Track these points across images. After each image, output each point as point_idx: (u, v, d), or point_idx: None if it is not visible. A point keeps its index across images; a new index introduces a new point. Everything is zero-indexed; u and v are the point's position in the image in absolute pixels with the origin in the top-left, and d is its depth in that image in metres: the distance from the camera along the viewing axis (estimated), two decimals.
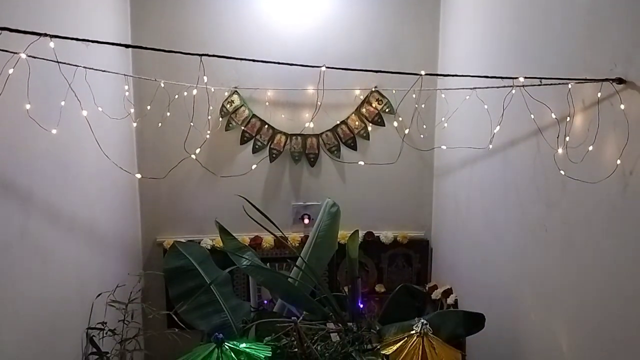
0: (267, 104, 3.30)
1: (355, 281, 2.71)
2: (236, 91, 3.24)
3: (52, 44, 1.29)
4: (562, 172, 1.71)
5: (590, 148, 1.63)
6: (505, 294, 2.38)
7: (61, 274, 2.13)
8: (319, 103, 3.23)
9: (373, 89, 3.32)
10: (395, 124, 2.90)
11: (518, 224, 2.24)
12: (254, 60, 1.47)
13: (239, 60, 1.50)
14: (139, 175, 2.20)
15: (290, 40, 3.25)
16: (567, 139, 1.73)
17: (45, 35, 1.18)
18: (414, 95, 2.78)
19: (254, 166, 3.01)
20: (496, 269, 2.48)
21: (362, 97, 3.35)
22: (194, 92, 1.76)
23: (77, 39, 1.26)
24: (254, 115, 3.31)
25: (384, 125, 3.38)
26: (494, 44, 2.46)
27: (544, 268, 2.03)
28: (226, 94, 3.22)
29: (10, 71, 1.34)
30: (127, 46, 1.33)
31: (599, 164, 1.62)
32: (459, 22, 3.00)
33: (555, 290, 1.95)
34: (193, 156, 1.67)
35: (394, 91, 3.23)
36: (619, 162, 1.49)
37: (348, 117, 3.38)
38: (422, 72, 1.50)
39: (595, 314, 1.71)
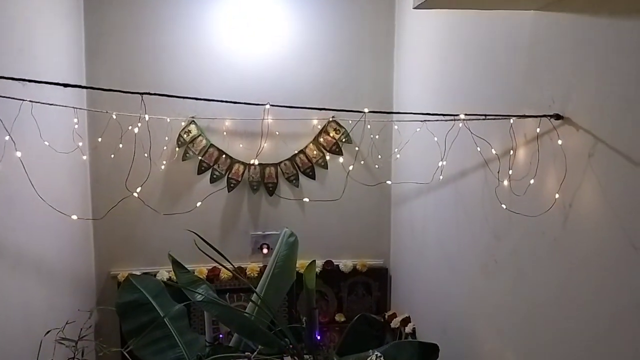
0: (224, 133, 3.30)
1: (313, 312, 2.68)
2: (193, 121, 3.23)
3: None
4: (503, 205, 1.75)
5: (532, 181, 1.68)
6: (459, 324, 2.41)
7: (5, 312, 2.05)
8: (277, 133, 3.27)
9: (330, 119, 3.36)
10: (341, 160, 2.94)
11: (470, 254, 2.27)
12: (195, 99, 1.48)
13: (196, 90, 1.49)
14: (74, 217, 2.15)
15: (247, 70, 3.26)
16: (511, 172, 1.78)
17: None
18: (369, 127, 2.82)
19: (198, 203, 2.92)
20: (451, 299, 2.51)
21: (320, 127, 3.38)
22: (136, 130, 1.74)
23: (13, 79, 1.24)
24: (211, 145, 3.30)
25: (342, 155, 3.41)
26: (443, 79, 2.53)
27: (496, 298, 2.06)
28: (183, 123, 3.20)
29: None
30: (66, 85, 1.31)
31: (541, 197, 1.67)
32: (412, 56, 3.08)
33: (508, 320, 1.98)
34: (135, 194, 1.64)
35: (350, 121, 3.27)
36: (557, 195, 1.54)
37: (306, 147, 3.40)
38: (366, 110, 1.53)
39: (545, 341, 1.74)
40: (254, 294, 2.74)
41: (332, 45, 3.34)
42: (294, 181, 3.42)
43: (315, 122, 3.36)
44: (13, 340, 2.10)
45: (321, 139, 3.40)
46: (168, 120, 2.99)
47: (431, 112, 1.75)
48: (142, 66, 3.15)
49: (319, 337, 2.79)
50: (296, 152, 3.39)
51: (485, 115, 1.82)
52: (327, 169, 3.43)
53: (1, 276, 2.03)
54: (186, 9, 3.17)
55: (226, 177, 3.35)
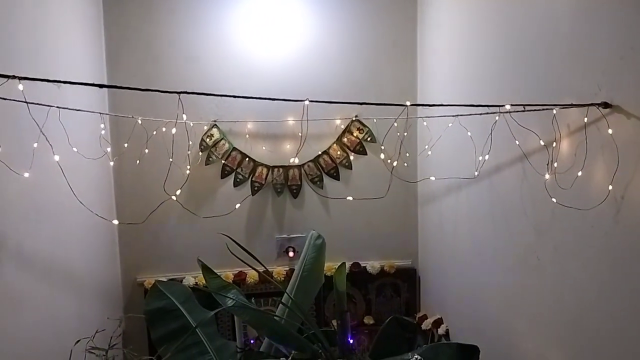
0: (247, 136, 3.26)
1: (344, 315, 2.62)
2: (215, 125, 3.19)
3: (20, 87, 1.23)
4: (553, 199, 1.68)
5: (580, 173, 1.61)
6: (498, 324, 2.33)
7: (35, 322, 2.03)
8: (300, 134, 3.21)
9: (354, 118, 3.30)
10: (383, 156, 2.87)
11: (508, 251, 2.20)
12: (236, 97, 1.43)
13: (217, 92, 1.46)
14: (116, 222, 2.12)
15: (269, 73, 3.22)
16: (556, 164, 1.71)
17: (14, 77, 1.12)
18: (395, 124, 2.76)
19: (237, 205, 2.95)
20: (488, 298, 2.44)
21: (343, 127, 3.33)
22: (174, 130, 1.70)
23: (47, 80, 1.20)
24: (234, 149, 3.26)
25: (366, 154, 3.36)
26: (473, 71, 2.46)
27: (538, 296, 1.99)
28: (205, 127, 3.17)
29: None
30: (102, 86, 1.28)
31: (589, 190, 1.59)
32: (437, 51, 3.01)
33: (551, 318, 1.91)
34: (174, 197, 1.60)
35: (374, 120, 3.22)
36: (610, 187, 1.47)
37: (330, 147, 3.34)
38: (408, 103, 1.47)
39: (593, 341, 1.67)
40: (284, 298, 2.70)
41: (354, 43, 3.29)
42: (318, 182, 3.37)
43: (338, 122, 3.31)
44: (44, 349, 2.07)
45: (345, 139, 3.35)
46: (191, 124, 2.96)
47: (473, 104, 1.68)
48: (162, 71, 3.12)
49: (351, 341, 2.74)
50: (320, 153, 3.34)
51: (525, 106, 1.75)
52: (351, 169, 3.37)
53: (32, 285, 2.00)
54: (206, 12, 3.14)
55: (250, 180, 3.31)
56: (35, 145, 1.76)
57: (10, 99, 1.42)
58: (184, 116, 1.54)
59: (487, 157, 2.05)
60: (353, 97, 3.24)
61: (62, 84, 1.20)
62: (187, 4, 3.13)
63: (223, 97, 3.00)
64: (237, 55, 3.19)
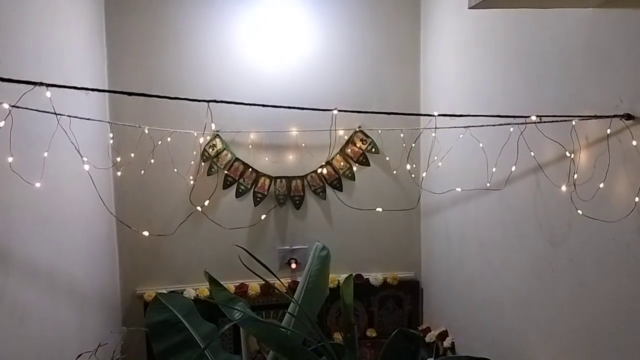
0: (250, 146, 3.23)
1: (352, 328, 2.59)
2: (218, 135, 3.16)
3: (48, 94, 1.19)
4: (579, 211, 1.67)
5: (601, 185, 1.60)
6: (510, 336, 2.31)
7: (40, 335, 1.97)
8: (303, 145, 3.19)
9: (357, 129, 3.29)
10: (408, 167, 2.84)
11: (520, 262, 2.19)
12: (261, 105, 1.40)
13: (220, 104, 1.43)
14: (146, 233, 2.09)
15: (272, 82, 3.20)
16: (576, 176, 1.70)
17: (41, 84, 1.09)
18: (401, 135, 2.76)
19: (263, 216, 3.02)
20: (498, 311, 2.41)
21: (346, 138, 3.31)
22: (201, 140, 1.66)
23: (76, 87, 1.17)
24: (236, 159, 3.23)
25: (369, 165, 3.34)
26: (482, 83, 2.46)
27: (553, 308, 1.97)
28: (208, 138, 3.13)
29: (1, 124, 1.23)
30: (128, 94, 1.24)
31: (612, 201, 1.58)
32: (442, 61, 3.01)
33: (566, 330, 1.89)
34: (199, 208, 1.56)
35: (379, 131, 3.20)
36: (637, 199, 1.46)
37: (332, 158, 3.33)
38: (435, 113, 1.45)
39: (610, 354, 1.65)
40: (290, 308, 2.66)
41: (357, 53, 3.29)
42: (321, 193, 3.34)
43: (341, 132, 3.29)
44: None
45: (348, 150, 3.33)
46: (195, 134, 2.92)
47: (500, 115, 1.67)
48: (164, 78, 3.08)
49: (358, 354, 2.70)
50: (323, 163, 3.32)
51: (541, 117, 1.75)
52: (354, 180, 3.35)
53: (36, 298, 1.95)
54: (209, 21, 3.12)
55: (252, 191, 3.27)
56: (46, 154, 1.71)
57: (25, 108, 1.39)
58: (213, 125, 1.49)
59: (512, 168, 2.05)
60: (357, 106, 3.21)
61: (90, 92, 1.17)
62: (189, 13, 3.10)
63: (224, 106, 3.01)
64: (240, 64, 3.17)
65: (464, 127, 2.24)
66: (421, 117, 3.16)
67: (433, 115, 1.43)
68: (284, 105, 1.40)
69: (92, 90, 1.19)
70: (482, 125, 2.11)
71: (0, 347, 1.64)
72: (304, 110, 1.59)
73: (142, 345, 3.08)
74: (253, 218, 3.27)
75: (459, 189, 2.65)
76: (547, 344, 2.03)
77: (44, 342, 2.02)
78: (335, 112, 1.37)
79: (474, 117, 2.08)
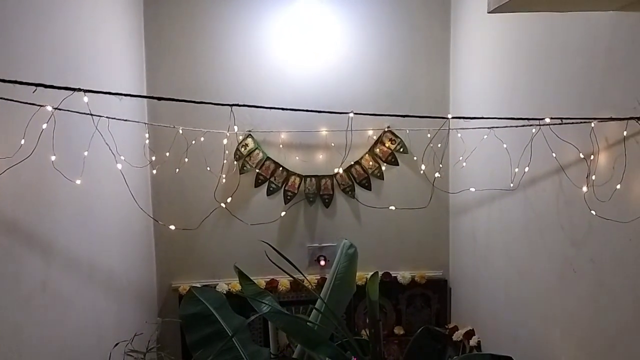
0: (280, 146, 3.32)
1: (377, 324, 2.65)
2: (250, 135, 3.26)
3: (85, 99, 1.30)
4: (592, 212, 1.69)
5: (618, 186, 1.61)
6: (532, 336, 2.33)
7: (80, 324, 2.10)
8: (332, 144, 3.26)
9: (386, 129, 3.34)
10: (424, 167, 2.89)
11: (543, 263, 2.20)
12: (295, 110, 1.48)
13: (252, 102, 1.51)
14: (172, 227, 2.20)
15: (303, 84, 3.29)
16: (594, 177, 1.72)
17: (80, 90, 1.20)
18: (428, 135, 2.80)
19: (283, 213, 3.14)
20: (522, 310, 2.43)
21: (375, 137, 3.37)
22: (225, 141, 1.76)
23: (110, 93, 1.28)
24: (268, 158, 3.32)
25: (398, 165, 3.39)
26: (510, 82, 2.47)
27: (575, 308, 1.98)
28: (240, 137, 3.24)
29: (44, 126, 1.35)
30: (159, 99, 1.34)
31: (629, 202, 1.60)
32: (470, 63, 3.03)
33: (588, 331, 1.91)
34: (223, 205, 1.66)
35: (407, 131, 3.25)
36: None
37: (362, 158, 3.38)
38: (449, 115, 1.50)
39: (631, 355, 1.66)
40: (317, 304, 2.73)
41: (387, 55, 3.34)
42: (350, 192, 3.41)
43: (370, 132, 3.35)
44: (86, 352, 2.14)
45: (377, 150, 3.38)
46: (227, 134, 3.03)
47: (514, 117, 1.70)
48: (200, 80, 3.21)
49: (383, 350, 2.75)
50: (352, 163, 3.38)
51: (562, 119, 1.77)
52: (383, 179, 3.40)
53: (77, 288, 2.07)
54: (242, 24, 3.22)
55: (282, 189, 3.36)
56: (86, 153, 1.84)
57: (66, 110, 1.50)
58: (235, 128, 1.58)
59: (526, 169, 2.07)
60: (386, 108, 3.27)
61: (123, 97, 1.27)
62: (224, 17, 3.22)
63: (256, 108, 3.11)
64: (272, 66, 3.27)
65: (488, 127, 2.26)
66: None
67: (446, 118, 1.48)
68: (301, 108, 1.47)
69: (124, 95, 1.29)
70: (505, 127, 2.13)
71: (44, 332, 1.77)
72: (350, 116, 1.66)
73: (177, 335, 3.21)
74: (282, 216, 3.36)
75: (472, 189, 2.68)
76: (569, 343, 2.04)
77: (84, 330, 2.15)
78: (351, 115, 1.44)
79: (500, 119, 2.11)
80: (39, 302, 1.73)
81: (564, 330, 2.07)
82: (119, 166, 1.68)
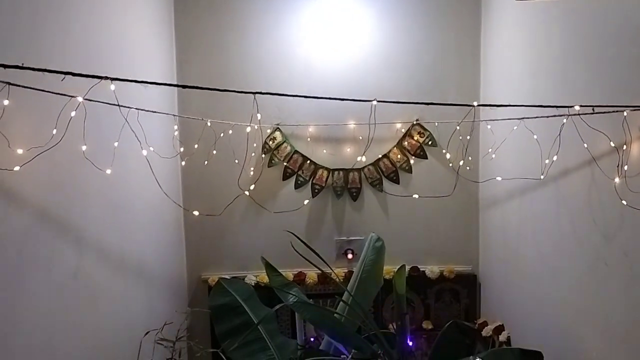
0: (308, 139, 3.33)
1: (404, 318, 2.63)
2: (278, 128, 3.28)
3: (112, 87, 1.33)
4: (623, 202, 1.64)
5: None
6: (563, 331, 2.28)
7: (111, 311, 2.15)
8: (360, 138, 3.25)
9: (415, 122, 3.31)
10: (449, 155, 2.86)
11: (574, 256, 2.15)
12: (316, 97, 1.48)
13: (280, 97, 1.52)
14: (196, 213, 2.24)
15: (331, 76, 3.28)
16: (626, 168, 1.67)
17: (106, 78, 1.22)
18: (457, 127, 2.76)
19: (306, 201, 3.12)
20: (552, 305, 2.38)
21: (403, 131, 3.34)
22: (248, 129, 1.78)
23: (136, 81, 1.30)
24: (295, 151, 3.34)
25: (427, 158, 3.36)
26: (542, 73, 2.42)
27: (606, 303, 1.93)
28: (268, 131, 3.26)
29: (73, 114, 1.38)
30: (183, 86, 1.36)
31: None
32: (501, 54, 2.98)
33: (620, 326, 1.86)
34: (247, 192, 1.67)
35: (436, 123, 3.21)
36: None
37: (390, 151, 3.37)
38: (475, 103, 1.48)
39: None
40: (344, 296, 2.73)
41: (416, 46, 3.31)
42: (378, 186, 3.39)
43: (398, 125, 3.33)
44: (117, 339, 2.20)
45: (405, 143, 3.36)
46: (256, 127, 3.06)
47: (542, 105, 1.66)
48: (229, 73, 3.25)
49: (410, 344, 2.74)
50: (380, 156, 3.37)
51: (594, 107, 1.73)
52: (411, 173, 3.38)
53: (108, 277, 2.13)
54: (271, 17, 3.24)
55: (310, 182, 3.37)
56: (116, 144, 1.88)
57: (96, 101, 1.54)
58: (259, 115, 1.59)
59: (554, 158, 2.02)
60: (415, 99, 3.24)
61: (149, 85, 1.29)
62: (252, 10, 3.24)
63: (284, 100, 3.11)
64: (301, 58, 3.28)
65: (519, 118, 2.22)
66: (480, 110, 3.15)
67: (472, 106, 1.46)
68: (325, 96, 1.47)
69: (148, 83, 1.31)
70: (536, 117, 2.09)
71: (75, 317, 1.82)
72: (361, 104, 1.66)
73: (207, 325, 3.26)
74: (310, 208, 3.37)
75: (499, 178, 2.64)
76: (600, 338, 1.99)
77: (115, 318, 2.20)
78: (374, 102, 1.43)
79: (528, 108, 2.07)
80: (71, 288, 1.78)
81: (596, 325, 2.02)
82: (144, 152, 1.70)
